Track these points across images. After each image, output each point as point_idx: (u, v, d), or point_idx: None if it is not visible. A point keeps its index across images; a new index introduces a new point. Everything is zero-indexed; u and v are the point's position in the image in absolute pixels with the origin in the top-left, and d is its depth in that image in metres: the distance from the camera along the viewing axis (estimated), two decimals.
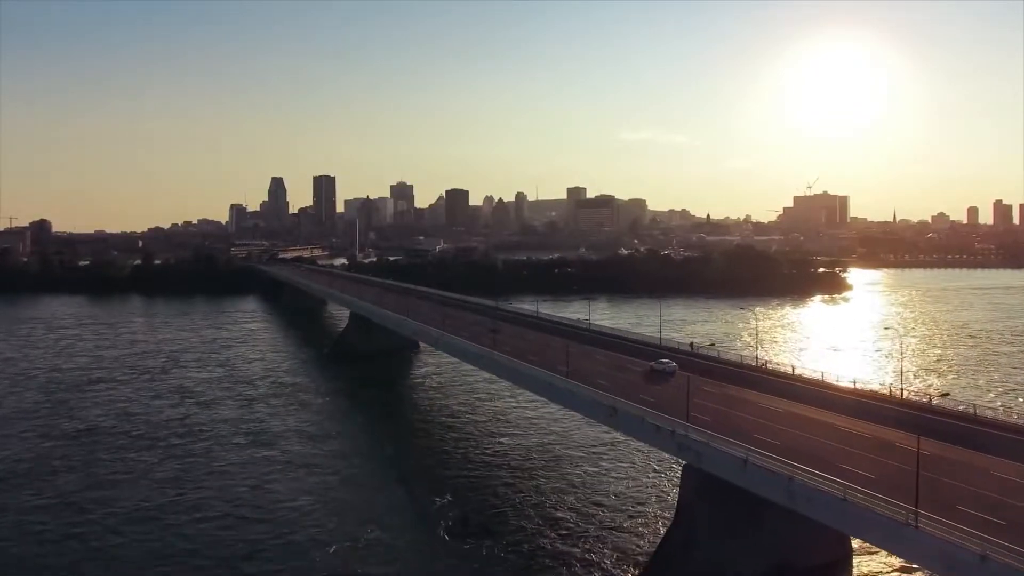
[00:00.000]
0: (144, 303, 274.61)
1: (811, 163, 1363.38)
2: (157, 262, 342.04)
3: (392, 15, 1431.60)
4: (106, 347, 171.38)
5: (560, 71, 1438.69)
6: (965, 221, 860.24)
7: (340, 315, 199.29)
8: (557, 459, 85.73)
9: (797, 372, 77.53)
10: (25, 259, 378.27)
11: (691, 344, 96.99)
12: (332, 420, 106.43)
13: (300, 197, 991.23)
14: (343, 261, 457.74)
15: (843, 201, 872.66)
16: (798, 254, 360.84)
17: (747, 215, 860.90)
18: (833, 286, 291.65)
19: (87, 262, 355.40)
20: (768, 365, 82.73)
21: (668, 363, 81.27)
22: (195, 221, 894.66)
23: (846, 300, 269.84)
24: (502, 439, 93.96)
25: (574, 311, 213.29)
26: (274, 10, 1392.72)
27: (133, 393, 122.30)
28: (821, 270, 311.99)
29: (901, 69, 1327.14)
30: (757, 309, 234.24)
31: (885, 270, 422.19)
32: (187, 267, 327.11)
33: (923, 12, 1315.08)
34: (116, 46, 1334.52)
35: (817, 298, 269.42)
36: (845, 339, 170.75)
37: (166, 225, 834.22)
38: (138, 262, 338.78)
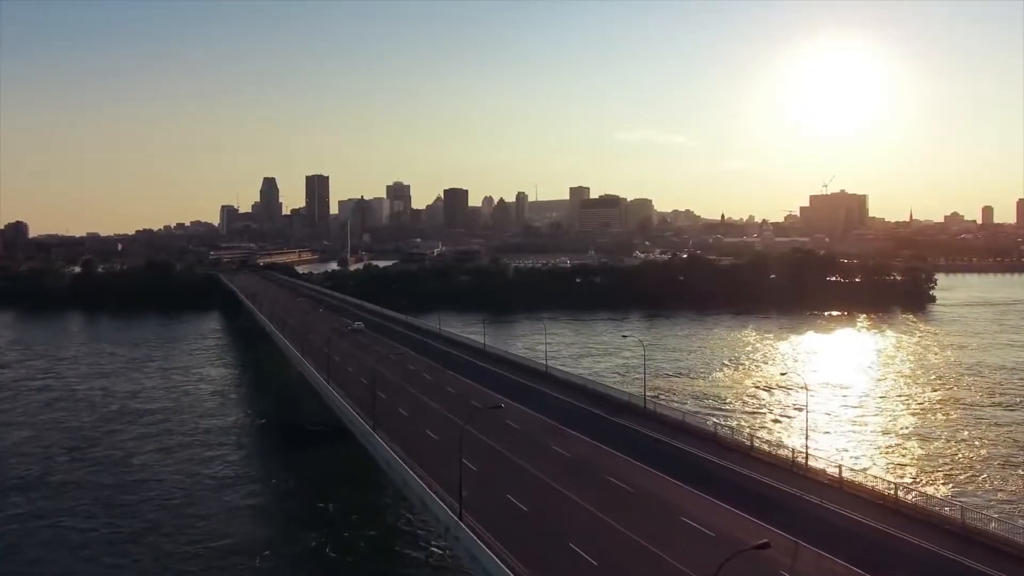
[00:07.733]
0: (83, 322, 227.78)
1: (812, 163, 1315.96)
2: (102, 268, 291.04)
3: (389, 13, 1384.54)
4: None
5: (558, 70, 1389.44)
6: (979, 220, 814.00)
7: None
8: None
9: None
10: None
11: None
12: None
13: (293, 198, 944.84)
14: (334, 266, 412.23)
15: (862, 200, 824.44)
16: (830, 256, 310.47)
17: (750, 215, 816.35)
18: (914, 299, 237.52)
19: (23, 270, 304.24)
20: None
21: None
22: (188, 223, 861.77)
23: (957, 322, 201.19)
24: None
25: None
26: (267, 8, 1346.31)
27: None
28: (896, 277, 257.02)
29: (901, 69, 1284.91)
30: (854, 337, 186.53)
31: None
32: (138, 277, 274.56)
33: (923, 12, 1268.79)
34: (111, 47, 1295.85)
35: (905, 317, 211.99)
36: None
37: (158, 227, 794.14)
38: (77, 270, 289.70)
